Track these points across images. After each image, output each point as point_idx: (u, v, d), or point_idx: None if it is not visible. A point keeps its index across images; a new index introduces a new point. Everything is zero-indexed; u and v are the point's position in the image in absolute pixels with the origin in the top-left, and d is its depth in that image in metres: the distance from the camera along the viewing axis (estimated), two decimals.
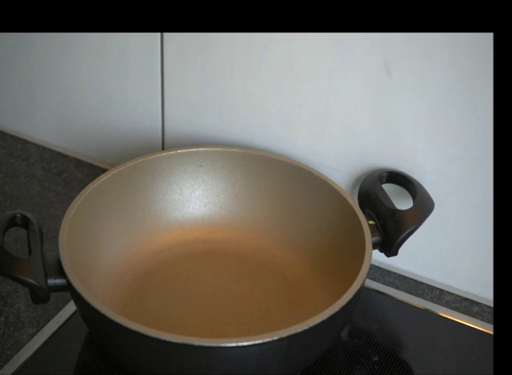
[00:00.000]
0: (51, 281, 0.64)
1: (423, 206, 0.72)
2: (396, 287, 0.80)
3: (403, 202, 0.76)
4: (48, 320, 0.74)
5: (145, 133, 0.89)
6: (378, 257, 0.76)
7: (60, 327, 0.73)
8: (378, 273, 0.81)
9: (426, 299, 0.79)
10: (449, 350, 0.73)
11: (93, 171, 0.94)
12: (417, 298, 0.79)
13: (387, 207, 0.73)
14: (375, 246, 0.71)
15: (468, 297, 0.79)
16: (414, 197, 0.74)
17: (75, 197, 0.72)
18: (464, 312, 0.77)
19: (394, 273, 0.82)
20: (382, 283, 0.80)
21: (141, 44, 0.84)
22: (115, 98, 0.89)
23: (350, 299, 0.63)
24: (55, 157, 0.96)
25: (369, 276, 0.78)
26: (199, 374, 0.61)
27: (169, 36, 0.82)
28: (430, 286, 0.81)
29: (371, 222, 0.72)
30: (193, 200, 0.81)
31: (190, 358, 0.60)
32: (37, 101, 0.96)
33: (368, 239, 0.68)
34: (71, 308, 0.74)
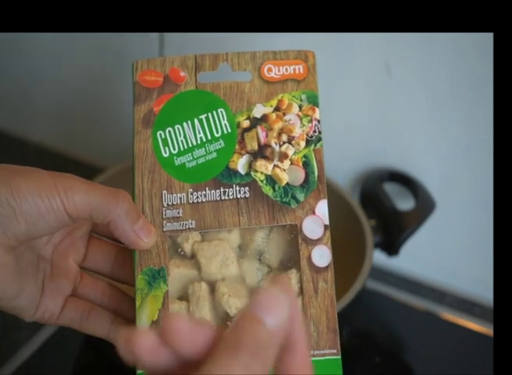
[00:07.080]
0: None
1: (424, 206, 0.73)
2: (398, 288, 0.80)
3: (404, 202, 0.76)
4: None
5: None
6: (379, 258, 0.76)
7: (58, 328, 0.72)
8: (379, 273, 0.81)
9: (427, 300, 0.79)
10: (450, 351, 0.72)
11: (91, 171, 0.93)
12: (419, 299, 0.78)
13: (388, 207, 0.73)
14: (376, 246, 0.71)
15: (469, 297, 0.79)
16: (415, 197, 0.74)
17: None
18: (465, 313, 0.77)
19: (395, 274, 0.82)
20: (383, 284, 0.80)
21: (141, 44, 0.83)
22: (114, 98, 0.89)
23: (351, 300, 0.62)
24: (52, 157, 0.96)
25: (370, 276, 0.77)
26: None
27: (169, 36, 0.81)
28: (431, 287, 0.80)
29: (373, 222, 0.72)
30: None
31: None
32: (35, 101, 0.95)
33: (369, 239, 0.68)
34: None
